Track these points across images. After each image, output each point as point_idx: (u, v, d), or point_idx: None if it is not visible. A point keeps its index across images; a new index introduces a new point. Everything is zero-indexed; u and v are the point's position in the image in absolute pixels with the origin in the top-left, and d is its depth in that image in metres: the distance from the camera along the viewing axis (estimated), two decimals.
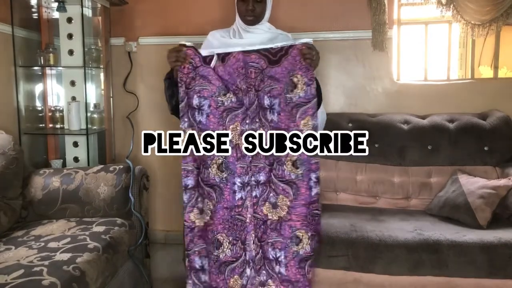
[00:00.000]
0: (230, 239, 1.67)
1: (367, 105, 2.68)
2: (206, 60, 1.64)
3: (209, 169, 1.68)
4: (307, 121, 1.64)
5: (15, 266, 1.53)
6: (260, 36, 1.89)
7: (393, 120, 2.48)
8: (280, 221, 1.65)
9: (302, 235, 1.63)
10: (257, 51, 1.63)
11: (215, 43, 1.95)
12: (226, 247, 1.67)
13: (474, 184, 2.16)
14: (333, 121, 2.48)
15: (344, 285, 1.90)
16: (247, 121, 1.68)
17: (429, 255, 1.83)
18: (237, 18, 1.92)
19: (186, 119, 1.66)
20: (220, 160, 1.67)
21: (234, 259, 1.68)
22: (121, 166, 2.22)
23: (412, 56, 3.12)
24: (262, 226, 1.67)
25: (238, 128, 1.68)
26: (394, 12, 2.66)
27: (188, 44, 1.63)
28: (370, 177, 2.43)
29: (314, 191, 1.63)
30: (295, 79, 1.62)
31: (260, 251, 1.68)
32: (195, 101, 1.66)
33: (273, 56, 1.63)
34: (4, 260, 1.60)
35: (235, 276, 1.68)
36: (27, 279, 1.44)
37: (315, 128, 1.63)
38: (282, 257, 1.66)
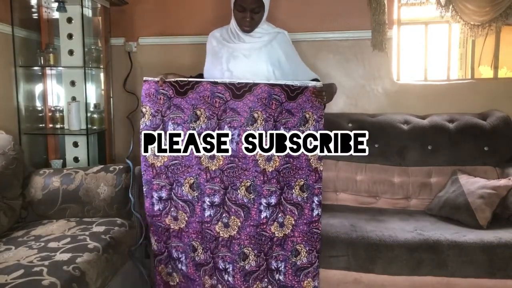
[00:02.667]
0: (202, 247, 1.89)
1: (367, 105, 2.68)
2: (180, 91, 1.85)
3: (182, 187, 1.88)
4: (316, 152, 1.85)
5: (15, 266, 1.52)
6: (259, 39, 1.91)
7: (393, 120, 2.48)
8: (284, 238, 1.86)
9: (301, 249, 1.87)
10: (280, 85, 1.82)
11: (214, 43, 1.97)
12: (200, 252, 1.89)
13: (474, 184, 2.16)
14: (333, 121, 2.48)
15: (344, 285, 1.90)
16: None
17: (429, 255, 1.83)
18: (234, 23, 1.92)
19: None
20: (192, 180, 1.87)
21: (205, 263, 1.90)
22: (121, 166, 2.22)
23: (412, 56, 3.12)
24: (269, 243, 1.88)
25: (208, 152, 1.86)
26: (394, 12, 2.66)
27: (167, 79, 1.85)
28: (370, 177, 2.43)
29: (316, 212, 1.86)
30: (307, 115, 1.84)
31: (265, 264, 1.87)
32: (170, 127, 1.86)
33: (291, 93, 1.83)
34: (4, 260, 1.59)
35: (205, 277, 1.91)
36: (27, 279, 1.44)
37: (320, 158, 1.85)
38: (282, 267, 1.88)
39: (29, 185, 2.14)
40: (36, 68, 2.61)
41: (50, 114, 2.71)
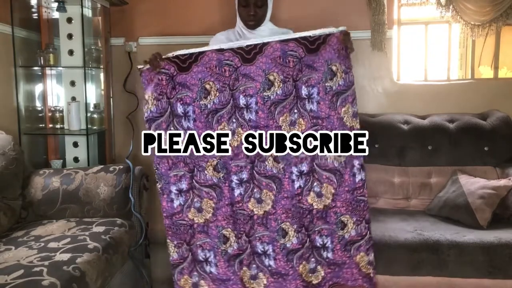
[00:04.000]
0: (235, 233, 1.73)
1: (367, 105, 2.68)
2: (183, 66, 1.66)
3: (205, 171, 1.73)
4: (347, 109, 1.69)
5: (15, 267, 1.52)
6: (264, 38, 1.89)
7: (393, 120, 2.48)
8: (325, 209, 1.70)
9: (347, 220, 1.70)
10: (296, 39, 1.63)
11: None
12: (233, 241, 1.73)
13: (474, 184, 2.16)
14: None
15: None
16: (233, 120, 1.71)
17: (429, 255, 1.83)
18: (239, 22, 1.93)
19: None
20: (215, 161, 1.71)
21: (241, 252, 1.73)
22: (121, 166, 2.22)
23: (412, 56, 3.12)
24: (308, 216, 1.71)
25: (226, 128, 1.72)
26: (394, 12, 2.66)
27: (164, 56, 1.67)
28: (370, 177, 2.41)
29: (358, 177, 1.69)
30: (334, 68, 1.64)
31: (308, 240, 1.72)
32: (180, 109, 1.70)
33: (311, 45, 1.63)
34: (4, 260, 1.59)
35: (243, 268, 1.73)
36: (27, 279, 1.44)
37: (355, 115, 1.68)
38: (329, 242, 1.72)
39: (29, 185, 2.14)
40: (36, 68, 2.61)
41: (50, 114, 2.71)
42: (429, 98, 2.64)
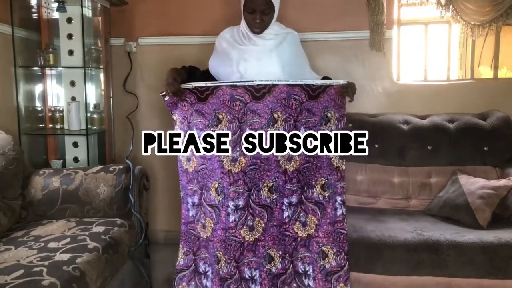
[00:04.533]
0: (226, 257, 1.81)
1: (367, 105, 2.67)
2: (201, 97, 1.81)
3: (210, 191, 1.84)
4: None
5: (15, 266, 1.52)
6: (270, 41, 1.91)
7: (393, 120, 2.48)
8: (309, 238, 1.84)
9: (328, 251, 1.82)
10: (301, 85, 1.80)
11: (224, 45, 1.96)
12: (223, 264, 1.82)
13: (474, 184, 2.16)
14: None
15: None
16: (237, 149, 1.82)
17: (429, 255, 1.83)
18: (244, 25, 1.92)
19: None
20: (217, 184, 1.83)
21: (229, 277, 1.82)
22: (121, 167, 2.22)
23: (412, 56, 3.12)
24: (293, 243, 1.85)
25: (230, 155, 1.82)
26: (394, 12, 2.66)
27: (185, 86, 1.81)
28: (370, 177, 2.43)
29: (339, 211, 1.85)
30: (328, 114, 1.82)
31: (291, 265, 1.85)
32: (196, 133, 1.83)
33: (313, 92, 1.80)
34: (4, 260, 1.59)
35: None
36: (27, 279, 1.44)
37: (342, 157, 1.85)
38: (311, 270, 1.84)
39: (29, 185, 2.14)
40: (36, 68, 2.61)
41: (50, 114, 2.71)
42: (429, 98, 2.64)
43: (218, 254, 1.83)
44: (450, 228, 2.00)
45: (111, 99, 2.82)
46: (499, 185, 2.11)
